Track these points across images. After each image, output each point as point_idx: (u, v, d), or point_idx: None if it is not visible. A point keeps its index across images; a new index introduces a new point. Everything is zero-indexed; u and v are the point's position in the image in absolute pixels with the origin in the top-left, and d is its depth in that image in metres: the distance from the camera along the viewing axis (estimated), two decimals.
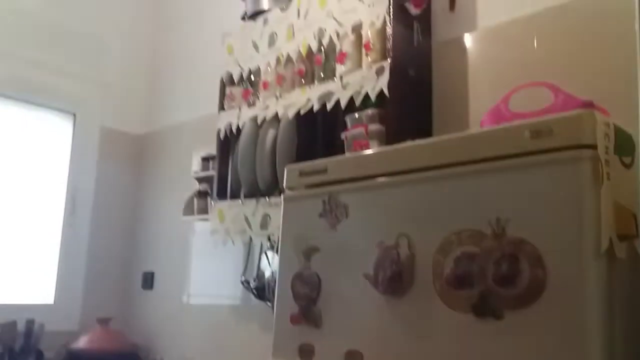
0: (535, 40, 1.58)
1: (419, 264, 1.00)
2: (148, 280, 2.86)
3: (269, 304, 2.07)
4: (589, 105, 1.24)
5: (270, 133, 1.98)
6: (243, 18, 2.23)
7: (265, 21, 2.08)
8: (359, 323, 1.09)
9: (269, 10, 2.09)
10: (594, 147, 0.83)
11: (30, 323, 2.52)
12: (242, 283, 2.21)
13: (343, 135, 1.70)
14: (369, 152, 1.26)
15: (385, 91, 1.60)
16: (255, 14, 2.14)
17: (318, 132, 1.91)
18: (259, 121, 2.03)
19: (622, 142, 0.88)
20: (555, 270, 0.83)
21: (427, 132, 1.73)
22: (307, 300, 1.19)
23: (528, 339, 0.84)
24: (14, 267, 2.66)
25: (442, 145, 1.04)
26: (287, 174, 1.30)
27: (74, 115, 2.90)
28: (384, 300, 1.04)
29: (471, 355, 0.90)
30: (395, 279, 1.02)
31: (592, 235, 0.82)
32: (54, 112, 2.85)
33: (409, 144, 1.12)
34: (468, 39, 1.72)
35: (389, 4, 1.63)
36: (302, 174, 1.26)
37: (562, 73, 1.49)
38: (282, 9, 2.02)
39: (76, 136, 2.90)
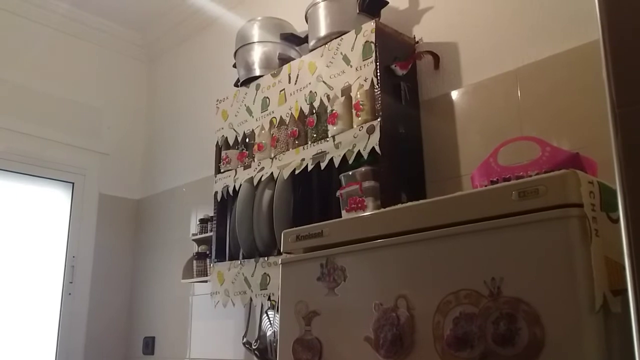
0: (519, 93, 1.63)
1: (418, 325, 1.01)
2: (149, 345, 2.82)
3: None
4: (575, 157, 1.28)
5: (267, 193, 2.01)
6: (236, 84, 2.30)
7: (258, 86, 2.15)
8: None
9: (261, 76, 2.16)
10: (580, 205, 0.86)
11: None
12: (244, 345, 2.19)
13: (338, 193, 1.72)
14: (364, 214, 1.29)
15: (377, 149, 1.64)
16: (248, 80, 2.21)
17: (313, 191, 1.94)
18: (254, 182, 2.06)
19: (608, 198, 0.91)
20: (553, 329, 0.84)
21: (420, 185, 1.77)
22: None
23: None
24: (14, 337, 2.63)
25: (435, 206, 1.06)
26: (284, 238, 1.32)
27: (73, 184, 2.94)
28: None
29: None
30: (396, 342, 1.02)
31: (586, 292, 0.83)
32: (53, 182, 2.89)
33: (403, 205, 1.14)
34: (454, 95, 1.78)
35: (376, 67, 1.70)
36: (299, 238, 1.28)
37: (547, 123, 1.55)
38: (274, 75, 2.09)
39: (75, 204, 2.93)
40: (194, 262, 2.41)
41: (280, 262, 1.32)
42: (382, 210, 1.19)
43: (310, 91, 1.92)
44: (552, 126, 1.53)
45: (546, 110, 1.56)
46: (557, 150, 1.33)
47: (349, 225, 1.22)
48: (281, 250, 1.34)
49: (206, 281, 2.33)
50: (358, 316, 1.11)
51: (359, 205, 1.67)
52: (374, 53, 1.72)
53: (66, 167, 2.92)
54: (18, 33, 2.87)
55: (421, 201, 1.11)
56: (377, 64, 1.70)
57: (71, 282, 2.82)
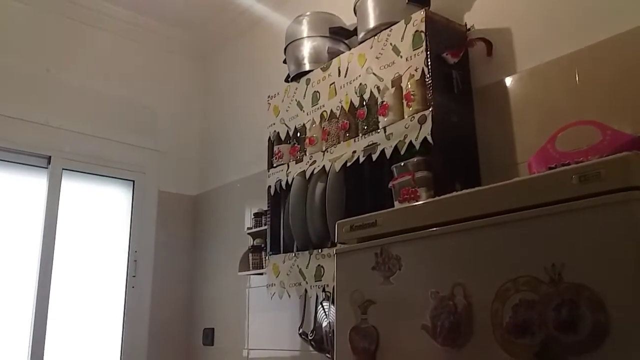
0: (577, 77, 1.58)
1: (476, 313, 1.00)
2: (209, 336, 2.91)
3: (328, 355, 2.07)
4: (638, 140, 1.23)
5: (319, 186, 2.03)
6: (286, 80, 2.33)
7: (308, 81, 2.17)
8: None
9: (310, 70, 2.19)
10: None
11: None
12: (300, 335, 2.22)
13: (390, 184, 1.72)
14: (418, 203, 1.28)
15: (429, 139, 1.63)
16: (298, 75, 2.24)
17: (365, 183, 1.94)
18: (307, 176, 2.09)
19: None
20: (618, 314, 0.82)
21: (474, 175, 1.74)
22: (366, 353, 1.20)
23: None
24: (83, 329, 2.78)
25: (492, 193, 1.05)
26: (338, 229, 1.33)
27: (133, 182, 3.07)
28: (443, 352, 1.04)
29: None
30: (453, 329, 1.02)
31: None
32: (115, 181, 3.03)
33: (457, 193, 1.13)
34: (508, 82, 1.74)
35: (426, 57, 1.68)
36: (353, 228, 1.29)
37: (608, 107, 1.49)
38: (324, 69, 2.10)
39: (136, 201, 3.05)
40: (250, 255, 2.46)
41: (335, 252, 1.34)
42: (438, 198, 1.18)
43: (360, 83, 1.92)
44: (613, 110, 1.48)
45: (606, 93, 1.51)
46: (619, 133, 1.28)
47: (403, 214, 1.23)
48: (335, 241, 1.36)
49: (262, 273, 2.38)
50: (414, 305, 1.11)
51: (412, 196, 1.66)
52: (424, 42, 1.70)
53: (127, 166, 3.04)
54: (76, 38, 3.00)
55: (478, 188, 1.10)
56: (428, 53, 1.69)
57: (134, 276, 2.94)
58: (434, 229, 1.11)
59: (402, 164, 1.70)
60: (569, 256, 0.89)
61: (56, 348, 2.65)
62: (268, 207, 2.30)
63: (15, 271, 2.63)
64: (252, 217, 2.53)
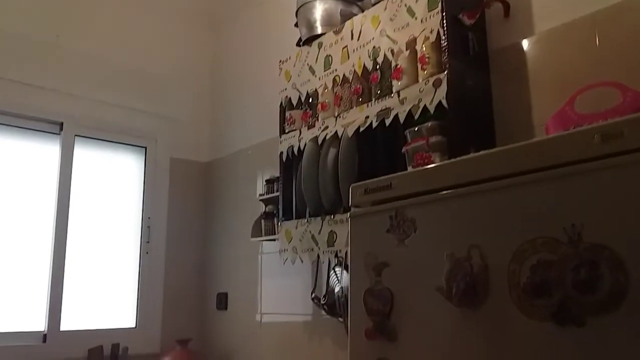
0: (597, 39, 1.54)
1: (493, 274, 1.00)
2: (222, 301, 2.95)
3: (340, 319, 2.09)
4: None
5: (332, 152, 2.02)
6: (298, 44, 2.30)
7: (320, 45, 2.14)
8: (434, 336, 1.08)
9: (323, 34, 2.15)
10: None
11: (115, 347, 2.67)
12: (313, 300, 2.25)
13: (404, 149, 1.71)
14: (433, 165, 1.27)
15: (444, 103, 1.61)
16: (310, 39, 2.20)
17: (378, 148, 1.93)
18: (319, 141, 2.08)
19: None
20: (638, 274, 0.81)
21: (489, 139, 1.72)
22: (380, 315, 1.20)
23: (613, 345, 0.82)
24: (98, 294, 2.83)
25: (509, 154, 1.03)
26: (353, 192, 1.33)
27: (145, 148, 3.07)
28: (458, 313, 1.04)
29: None
30: (469, 291, 1.02)
31: None
32: (127, 147, 3.04)
33: (474, 154, 1.12)
34: (526, 44, 1.70)
35: (442, 18, 1.65)
36: (368, 191, 1.28)
37: (628, 70, 1.46)
38: (336, 32, 2.07)
39: (148, 168, 3.06)
40: (262, 221, 2.47)
41: (349, 216, 1.34)
42: (454, 159, 1.17)
43: (374, 46, 1.89)
44: (634, 71, 1.44)
45: (627, 55, 1.47)
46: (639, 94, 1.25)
47: (418, 176, 1.21)
48: (350, 204, 1.35)
49: (274, 239, 2.39)
50: (429, 267, 1.11)
51: (426, 161, 1.65)
52: (440, 3, 1.66)
53: (138, 133, 3.04)
54: (86, 4, 2.97)
55: (494, 149, 1.08)
56: (444, 14, 1.65)
57: (148, 242, 2.97)
58: (450, 190, 1.11)
59: (416, 128, 1.68)
60: (589, 216, 0.87)
61: (72, 314, 2.70)
62: (280, 173, 2.30)
63: (30, 238, 2.66)
64: (264, 183, 2.53)
